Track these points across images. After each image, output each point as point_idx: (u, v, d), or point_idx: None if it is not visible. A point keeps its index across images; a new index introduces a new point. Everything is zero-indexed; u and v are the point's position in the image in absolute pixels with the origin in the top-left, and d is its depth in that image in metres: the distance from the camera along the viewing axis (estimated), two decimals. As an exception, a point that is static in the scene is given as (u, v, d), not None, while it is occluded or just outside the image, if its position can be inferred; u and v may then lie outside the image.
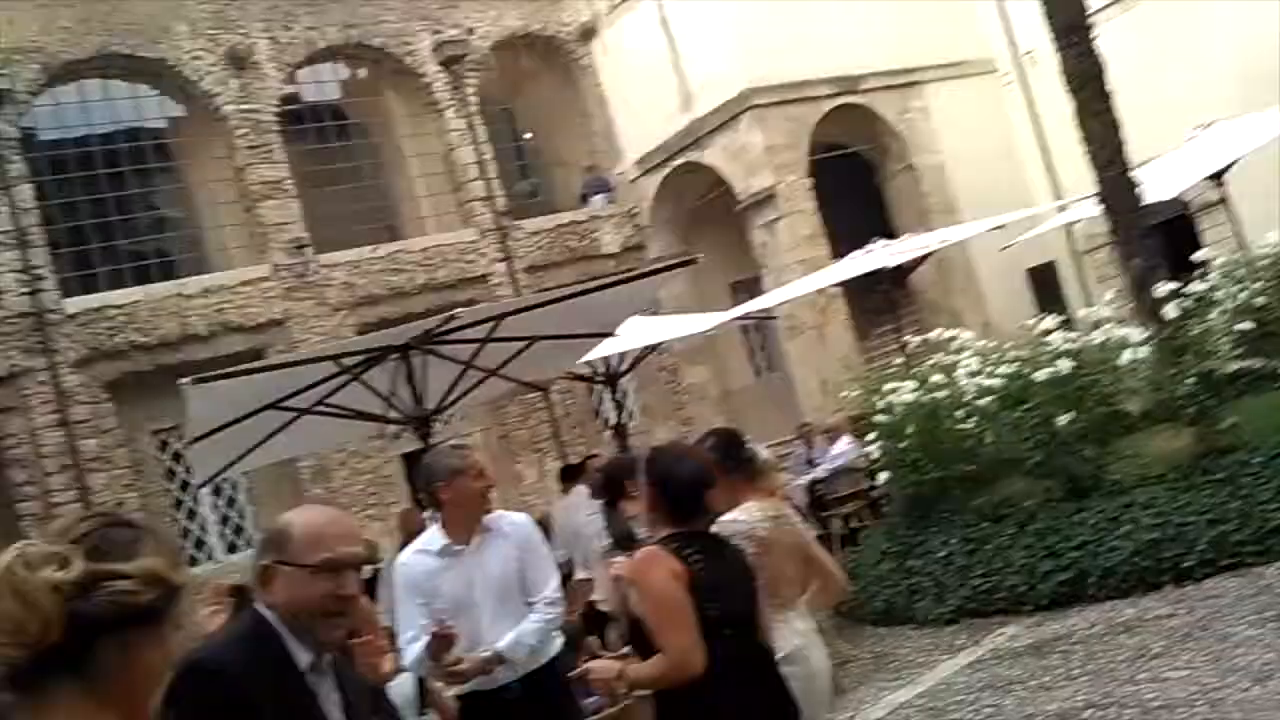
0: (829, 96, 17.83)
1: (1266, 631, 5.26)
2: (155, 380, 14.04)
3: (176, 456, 14.36)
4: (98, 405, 13.64)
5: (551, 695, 4.14)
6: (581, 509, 8.70)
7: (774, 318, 15.56)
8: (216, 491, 14.35)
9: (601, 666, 3.41)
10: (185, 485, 14.29)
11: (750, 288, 18.52)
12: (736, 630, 3.19)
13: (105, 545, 1.42)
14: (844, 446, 11.11)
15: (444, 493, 4.11)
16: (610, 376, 11.69)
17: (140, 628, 1.41)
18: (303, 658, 2.22)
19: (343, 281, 15.86)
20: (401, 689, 4.72)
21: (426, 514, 9.52)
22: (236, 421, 7.67)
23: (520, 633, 4.08)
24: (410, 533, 9.48)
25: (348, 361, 7.65)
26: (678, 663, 3.09)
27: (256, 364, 11.20)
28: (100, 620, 1.37)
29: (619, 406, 12.22)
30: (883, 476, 8.43)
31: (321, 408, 8.05)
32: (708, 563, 3.20)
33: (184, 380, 7.05)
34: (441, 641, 3.87)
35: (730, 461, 3.79)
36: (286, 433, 8.33)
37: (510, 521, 4.30)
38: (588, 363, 10.88)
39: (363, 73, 17.73)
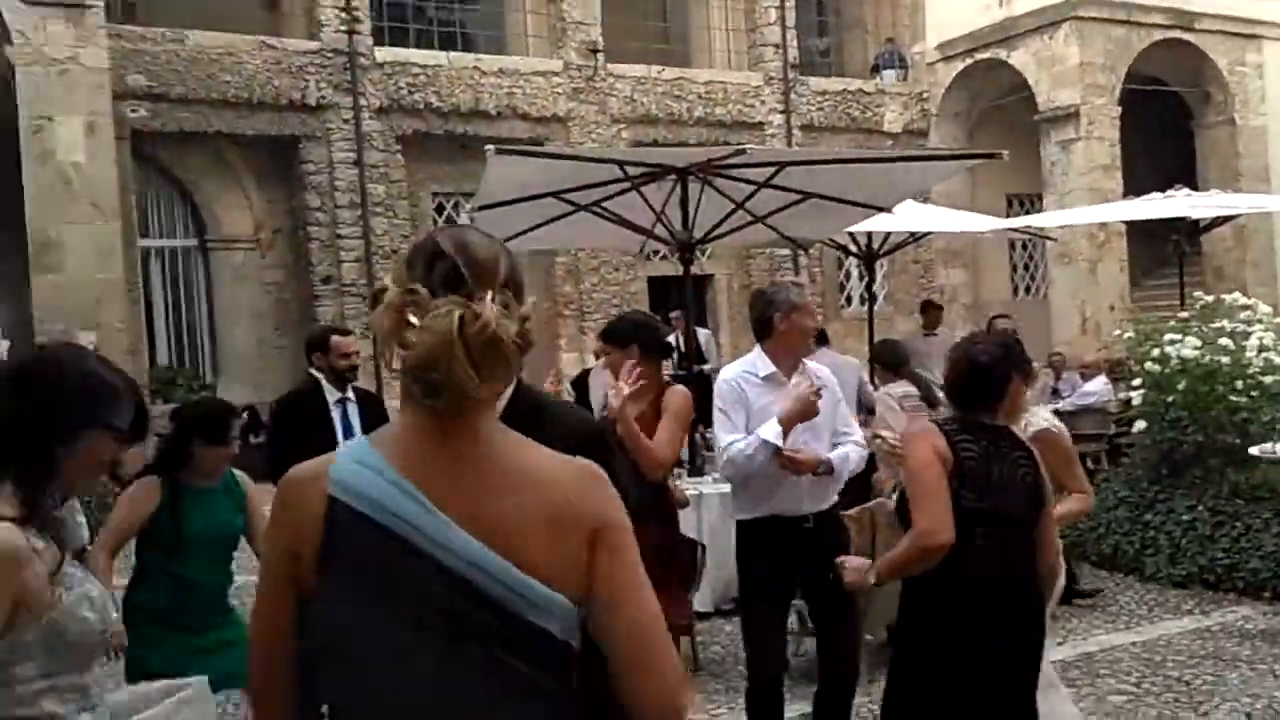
0: (1159, 26, 16.72)
1: None
2: (441, 145, 14.71)
3: (450, 222, 15.11)
4: (389, 154, 14.36)
5: (834, 538, 4.16)
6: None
7: (1050, 239, 14.89)
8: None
9: (854, 565, 3.45)
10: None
11: (1026, 203, 17.80)
12: (992, 532, 3.05)
13: (515, 286, 1.57)
14: (1098, 386, 10.68)
15: (781, 323, 4.09)
16: (868, 254, 11.48)
17: None
18: None
19: (626, 95, 15.98)
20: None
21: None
22: (522, 200, 7.95)
23: (846, 452, 4.13)
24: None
25: (632, 170, 7.78)
26: (924, 532, 3.05)
27: (554, 150, 11.54)
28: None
29: (868, 287, 12.03)
30: (1139, 425, 8.06)
31: (597, 208, 8.25)
32: (978, 455, 3.09)
33: (490, 148, 7.37)
34: (811, 403, 3.97)
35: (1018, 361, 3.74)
36: (559, 224, 8.58)
37: (818, 368, 4.33)
38: (849, 233, 10.71)
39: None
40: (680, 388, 4.48)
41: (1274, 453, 4.50)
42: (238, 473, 4.18)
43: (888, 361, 7.07)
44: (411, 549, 1.45)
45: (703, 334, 14.35)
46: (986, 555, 3.05)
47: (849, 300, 17.91)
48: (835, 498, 4.23)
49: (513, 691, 1.48)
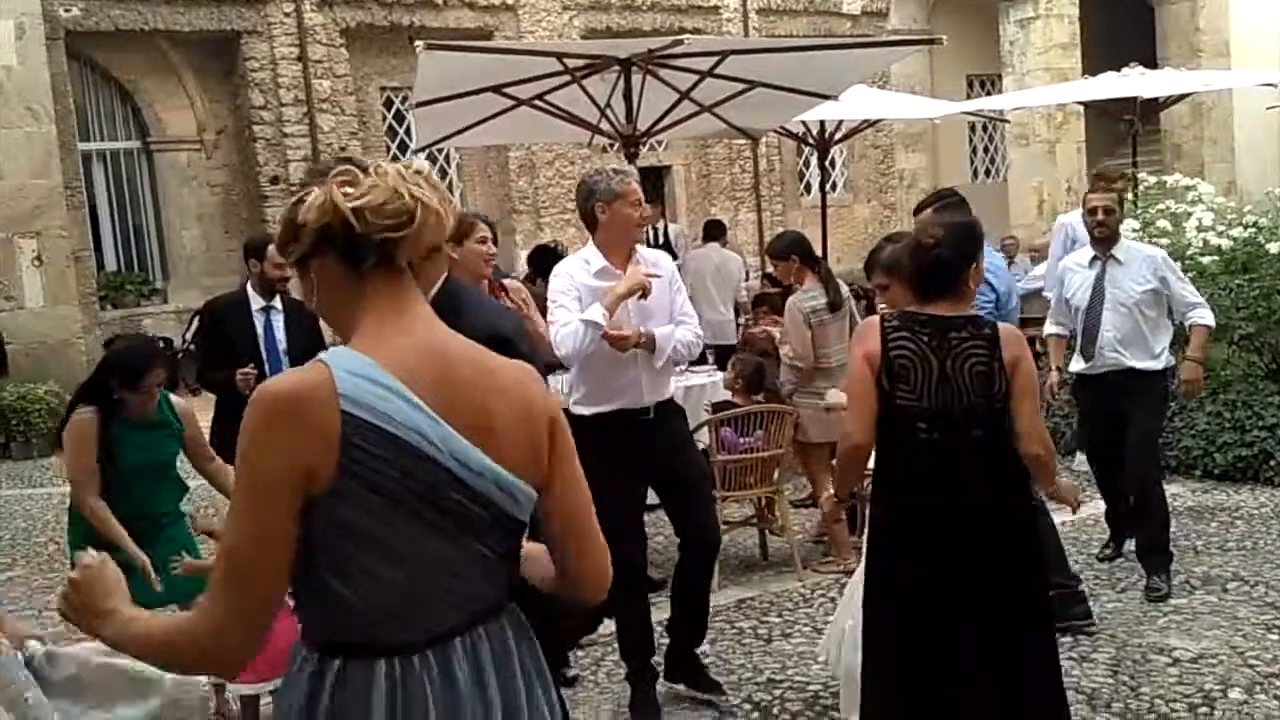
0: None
1: None
2: (387, 37, 14.35)
3: (400, 117, 14.85)
4: (333, 49, 13.98)
5: (677, 426, 4.25)
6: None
7: (1006, 121, 14.79)
8: (431, 159, 14.86)
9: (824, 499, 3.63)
10: (404, 146, 14.83)
11: (987, 84, 17.63)
12: (935, 427, 3.06)
13: None
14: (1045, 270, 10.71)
15: (602, 214, 4.03)
16: (822, 142, 11.38)
17: None
18: None
19: (577, -20, 15.57)
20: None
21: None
22: (460, 96, 7.80)
23: (671, 329, 4.14)
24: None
25: (571, 63, 7.62)
26: (844, 435, 3.22)
27: (488, 44, 11.29)
28: None
29: (825, 174, 11.96)
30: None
31: (539, 103, 8.11)
32: (914, 351, 3.06)
33: (419, 44, 7.18)
34: (638, 284, 4.00)
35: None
36: (503, 119, 8.44)
37: (656, 255, 4.35)
38: (802, 122, 10.61)
39: None
40: None
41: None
42: (173, 398, 4.20)
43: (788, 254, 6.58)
44: (422, 455, 1.58)
45: (674, 228, 14.29)
46: (928, 449, 3.07)
47: (808, 188, 17.80)
48: (674, 386, 4.31)
49: (491, 573, 1.69)
